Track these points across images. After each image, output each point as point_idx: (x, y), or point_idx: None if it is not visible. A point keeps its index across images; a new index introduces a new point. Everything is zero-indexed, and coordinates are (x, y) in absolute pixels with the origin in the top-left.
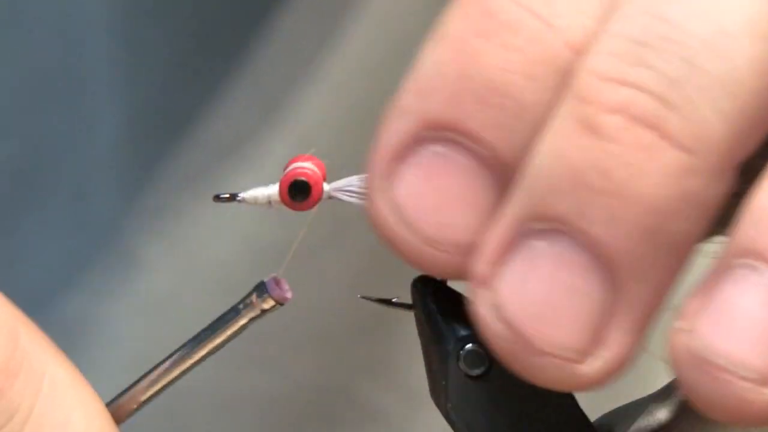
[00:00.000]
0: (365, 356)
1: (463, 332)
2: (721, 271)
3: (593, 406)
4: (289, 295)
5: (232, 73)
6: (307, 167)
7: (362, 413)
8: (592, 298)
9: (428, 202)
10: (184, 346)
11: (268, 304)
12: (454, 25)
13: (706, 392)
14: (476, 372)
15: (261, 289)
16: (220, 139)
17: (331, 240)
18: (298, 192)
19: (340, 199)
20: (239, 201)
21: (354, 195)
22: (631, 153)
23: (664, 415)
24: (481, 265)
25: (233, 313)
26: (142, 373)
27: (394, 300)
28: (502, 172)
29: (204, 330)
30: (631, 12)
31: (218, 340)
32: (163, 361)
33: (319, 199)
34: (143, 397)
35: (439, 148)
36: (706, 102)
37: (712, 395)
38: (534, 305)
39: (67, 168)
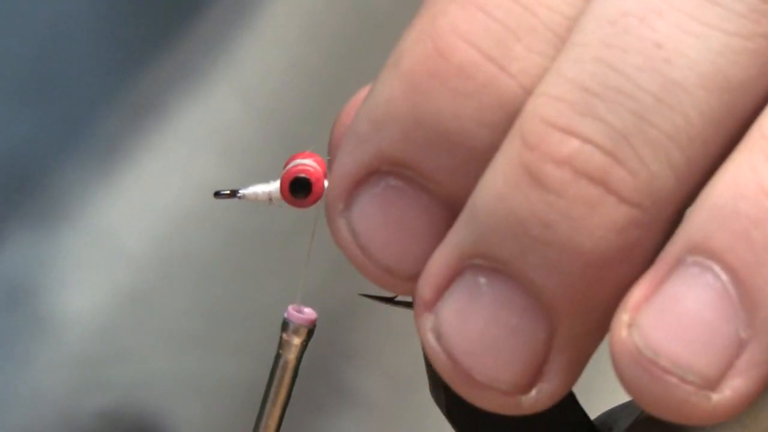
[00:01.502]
0: (346, 341)
1: None
2: (671, 263)
3: (593, 404)
4: (314, 315)
5: (215, 65)
6: (308, 164)
7: (343, 397)
8: (531, 337)
9: (383, 233)
10: (258, 416)
11: (301, 335)
12: (407, 59)
13: (648, 392)
14: None
15: (285, 325)
16: (203, 132)
17: (310, 225)
18: (300, 189)
19: None
20: (239, 198)
21: None
22: (575, 207)
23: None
24: (425, 288)
25: (277, 360)
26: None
27: (394, 298)
28: (456, 208)
29: (265, 392)
30: (584, 56)
31: (283, 393)
32: None
33: (321, 196)
34: None
35: (394, 182)
36: (655, 157)
37: (654, 396)
38: (473, 339)
39: (54, 164)
